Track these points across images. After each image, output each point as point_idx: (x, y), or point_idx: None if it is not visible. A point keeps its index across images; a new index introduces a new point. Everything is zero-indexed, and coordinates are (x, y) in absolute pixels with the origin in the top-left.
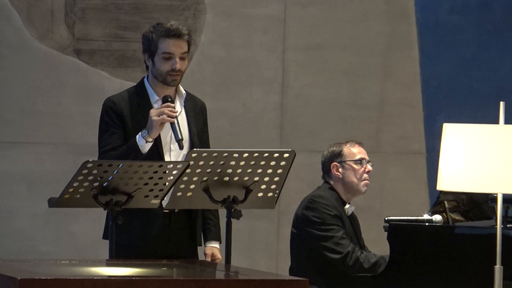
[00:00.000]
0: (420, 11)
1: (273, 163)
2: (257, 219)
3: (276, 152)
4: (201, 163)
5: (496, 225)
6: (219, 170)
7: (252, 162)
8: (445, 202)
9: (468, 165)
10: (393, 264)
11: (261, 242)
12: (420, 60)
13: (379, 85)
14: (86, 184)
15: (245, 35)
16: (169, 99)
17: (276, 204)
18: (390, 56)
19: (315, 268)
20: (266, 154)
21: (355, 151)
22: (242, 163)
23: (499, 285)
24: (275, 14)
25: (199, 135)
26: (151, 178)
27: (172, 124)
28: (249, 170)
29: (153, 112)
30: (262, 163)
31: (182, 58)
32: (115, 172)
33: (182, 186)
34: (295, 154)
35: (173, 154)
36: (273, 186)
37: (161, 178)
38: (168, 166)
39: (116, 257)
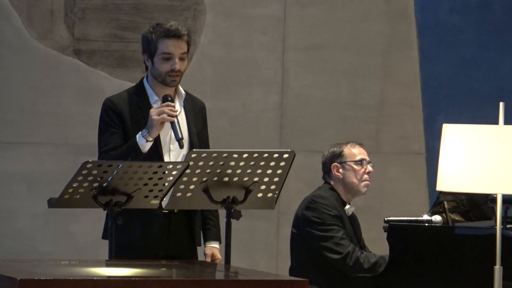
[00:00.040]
0: (420, 11)
1: (272, 163)
2: (257, 220)
3: (276, 152)
4: (200, 163)
5: (496, 225)
6: (218, 171)
7: (252, 163)
8: (445, 203)
9: (468, 165)
10: (393, 264)
11: (261, 242)
12: (420, 60)
13: (379, 85)
14: (85, 184)
15: (245, 35)
16: (169, 98)
17: (276, 204)
18: (390, 56)
19: (315, 268)
20: (265, 155)
21: (355, 152)
22: (241, 163)
23: (499, 285)
24: (275, 14)
25: (199, 135)
26: (150, 178)
27: (172, 123)
28: (249, 171)
29: (153, 112)
30: (262, 163)
31: (181, 59)
32: (114, 173)
33: (182, 186)
34: (294, 155)
35: (173, 154)
36: (273, 187)
37: (160, 178)
38: (168, 167)
39: (116, 258)
